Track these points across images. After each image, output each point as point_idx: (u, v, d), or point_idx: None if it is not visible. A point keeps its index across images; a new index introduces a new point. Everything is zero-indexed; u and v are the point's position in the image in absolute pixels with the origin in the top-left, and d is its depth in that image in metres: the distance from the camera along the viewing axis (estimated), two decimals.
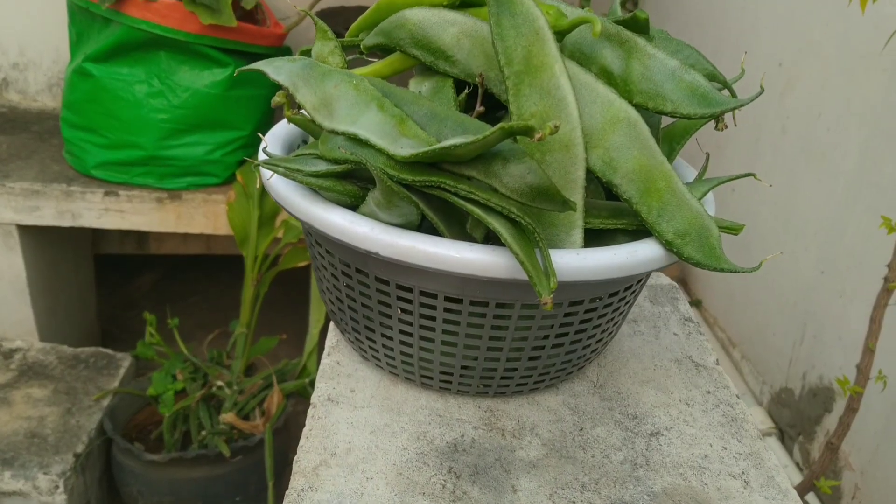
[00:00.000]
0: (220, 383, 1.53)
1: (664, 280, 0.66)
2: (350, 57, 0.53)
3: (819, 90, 1.37)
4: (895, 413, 1.19)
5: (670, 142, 0.50)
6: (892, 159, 1.17)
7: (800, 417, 1.45)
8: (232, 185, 1.55)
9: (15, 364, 1.57)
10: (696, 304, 1.83)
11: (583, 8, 0.45)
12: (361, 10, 1.84)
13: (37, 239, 1.64)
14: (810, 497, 1.33)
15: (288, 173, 0.40)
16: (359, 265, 0.45)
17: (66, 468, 1.32)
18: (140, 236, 2.11)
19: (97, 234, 2.03)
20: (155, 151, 1.51)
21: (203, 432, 1.44)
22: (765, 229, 1.55)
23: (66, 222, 1.57)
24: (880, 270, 1.12)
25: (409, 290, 0.44)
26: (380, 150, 0.39)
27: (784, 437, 1.51)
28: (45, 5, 1.82)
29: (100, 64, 1.48)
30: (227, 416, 1.45)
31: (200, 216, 1.59)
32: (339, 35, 1.51)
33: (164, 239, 2.11)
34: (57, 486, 1.30)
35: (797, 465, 1.44)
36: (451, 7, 0.45)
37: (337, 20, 1.69)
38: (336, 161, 0.40)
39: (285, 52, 1.59)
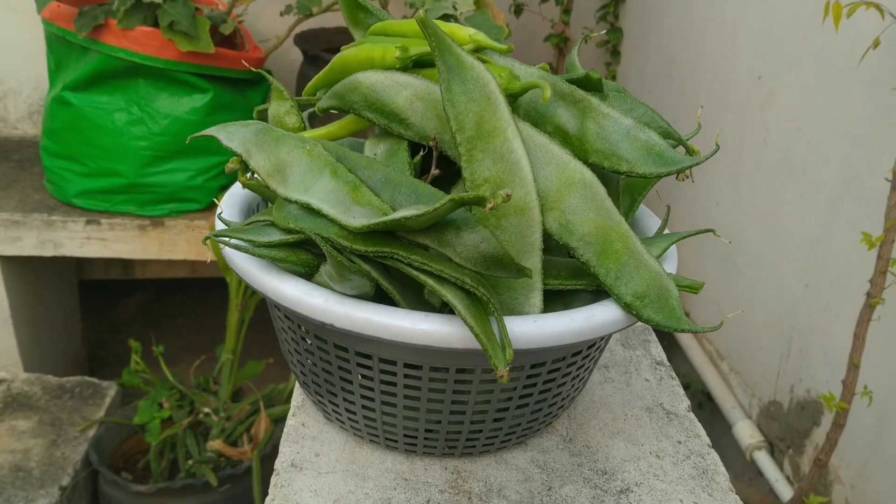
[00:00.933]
0: (206, 410, 1.52)
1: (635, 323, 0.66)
2: (310, 110, 0.53)
3: (799, 104, 1.37)
4: (883, 427, 1.19)
5: (632, 193, 0.49)
6: (871, 172, 1.17)
7: (789, 430, 1.45)
8: (214, 211, 1.54)
9: None
10: None
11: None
12: (341, 31, 1.84)
13: (19, 268, 1.63)
14: None
15: (241, 245, 0.40)
16: (317, 332, 0.44)
17: (51, 502, 1.30)
18: (125, 262, 2.10)
19: (81, 261, 2.02)
20: (136, 179, 1.50)
21: (190, 461, 1.43)
22: (749, 243, 1.55)
23: (47, 252, 1.56)
24: (863, 285, 1.12)
25: (369, 357, 0.43)
26: (332, 220, 0.38)
27: (774, 450, 1.51)
28: (24, 33, 1.81)
29: (79, 92, 1.47)
30: (215, 444, 1.44)
31: (183, 242, 1.58)
32: (319, 58, 1.51)
33: (149, 264, 2.10)
34: None
35: (787, 478, 1.44)
36: (404, 70, 0.44)
37: (317, 42, 1.68)
38: (289, 230, 0.40)
39: (263, 76, 1.58)
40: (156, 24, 1.40)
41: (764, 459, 1.48)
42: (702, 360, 1.72)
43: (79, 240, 1.56)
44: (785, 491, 1.39)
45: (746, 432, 1.52)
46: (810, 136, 1.35)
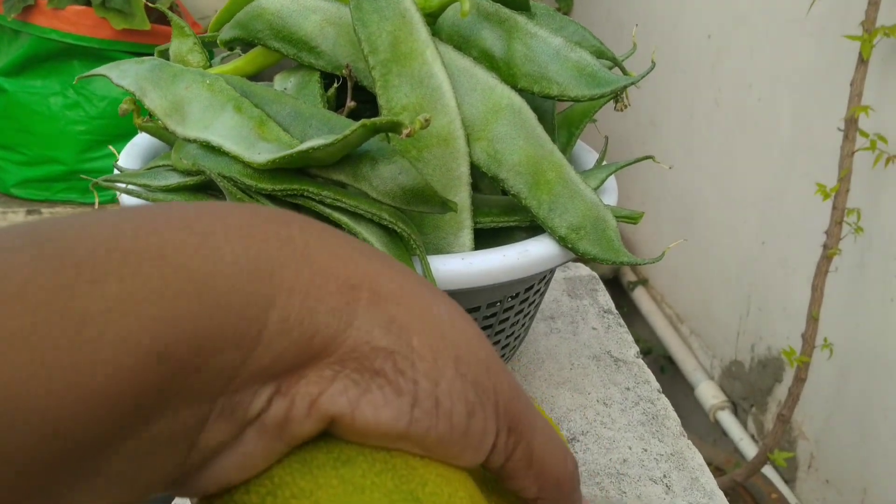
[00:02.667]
0: None
1: (583, 271, 0.63)
2: (224, 55, 0.49)
3: (748, 60, 1.36)
4: (845, 380, 1.19)
5: (569, 126, 0.46)
6: (822, 124, 1.16)
7: (751, 389, 1.45)
8: None
9: None
10: (642, 282, 1.81)
11: None
12: None
13: None
14: (767, 470, 1.32)
15: (135, 190, 0.36)
16: None
17: None
18: None
19: None
20: (76, 165, 1.45)
21: None
22: (704, 203, 1.54)
23: None
24: (819, 238, 1.11)
25: None
26: (235, 157, 0.35)
27: (737, 409, 1.50)
28: None
29: (11, 78, 1.41)
30: None
31: None
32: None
33: None
34: None
35: (752, 437, 1.43)
36: None
37: None
38: (188, 172, 0.36)
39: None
40: (88, 3, 1.34)
41: (728, 419, 1.47)
42: (662, 324, 1.71)
43: None
44: (750, 449, 1.38)
45: (709, 393, 1.52)
46: (761, 91, 1.33)
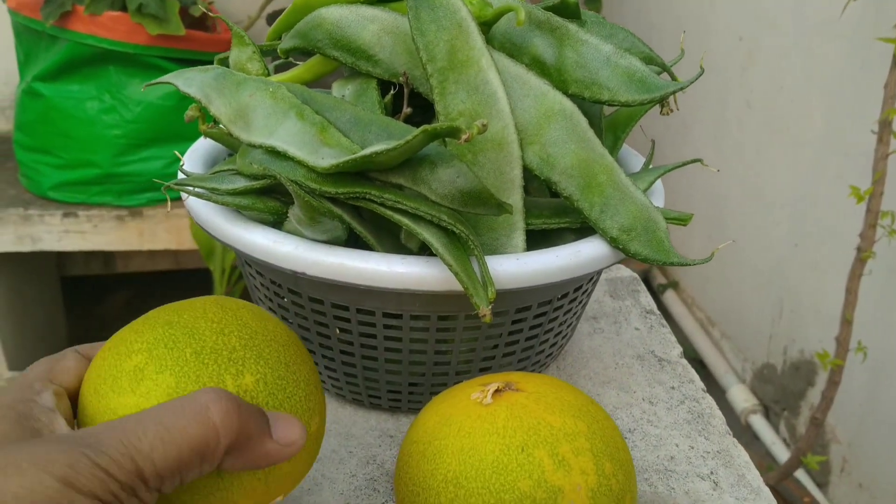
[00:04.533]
0: None
1: (624, 272, 0.64)
2: (277, 62, 0.50)
3: (780, 62, 1.36)
4: (878, 383, 1.18)
5: (615, 130, 0.47)
6: (854, 126, 1.16)
7: (783, 393, 1.44)
8: None
9: None
10: (672, 285, 1.81)
11: None
12: None
13: None
14: (799, 473, 1.32)
15: (203, 193, 0.38)
16: (290, 285, 0.42)
17: None
18: (106, 256, 2.07)
19: (62, 257, 1.99)
20: (111, 168, 1.47)
21: None
22: (736, 204, 1.53)
23: (25, 247, 1.53)
24: (852, 240, 1.10)
25: (346, 309, 0.41)
26: (299, 162, 0.36)
27: (769, 413, 1.50)
28: None
29: (49, 83, 1.44)
30: None
31: (163, 232, 1.56)
32: None
33: (130, 257, 2.07)
34: None
35: (784, 440, 1.43)
36: (370, 3, 0.42)
37: None
38: (255, 177, 0.38)
39: None
40: (124, 9, 1.37)
41: (759, 423, 1.47)
42: (693, 327, 1.71)
43: (57, 233, 1.53)
44: (781, 453, 1.38)
45: (741, 397, 1.51)
46: (793, 93, 1.33)
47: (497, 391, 0.34)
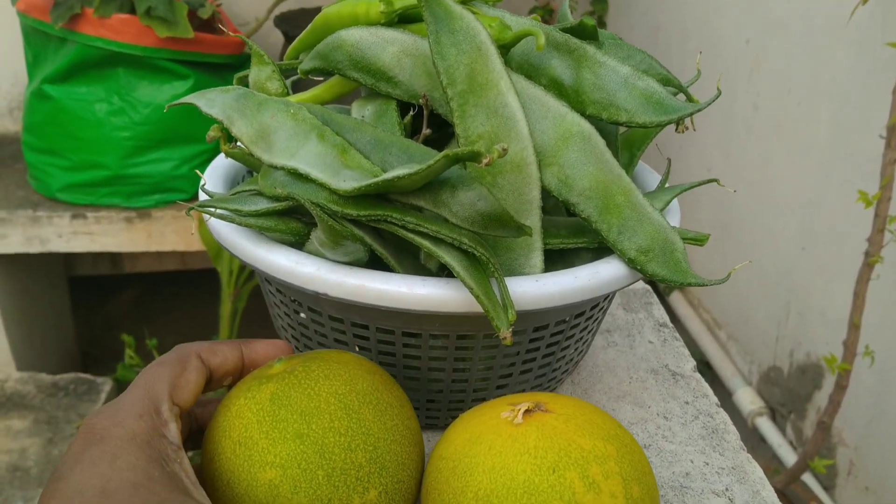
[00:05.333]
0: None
1: (637, 285, 0.64)
2: (293, 77, 0.51)
3: (787, 65, 1.36)
4: (886, 387, 1.18)
5: (630, 148, 0.48)
6: (862, 131, 1.16)
7: (790, 396, 1.44)
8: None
9: None
10: (678, 287, 1.82)
11: (530, 14, 0.43)
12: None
13: (6, 267, 1.60)
14: (806, 477, 1.32)
15: (227, 216, 0.38)
16: (310, 304, 0.43)
17: None
18: (113, 257, 2.07)
19: (69, 257, 1.99)
20: (120, 170, 1.48)
21: (190, 453, 1.41)
22: (743, 208, 1.54)
23: (34, 248, 1.54)
24: (860, 244, 1.11)
25: (366, 328, 0.42)
26: (321, 185, 0.37)
27: (776, 415, 1.50)
28: (0, 28, 1.78)
29: (58, 85, 1.44)
30: None
31: (172, 233, 1.56)
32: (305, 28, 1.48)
33: (137, 258, 2.08)
34: None
35: (790, 443, 1.43)
36: (390, 24, 0.42)
37: (297, 23, 1.66)
38: (277, 198, 0.38)
39: (245, 59, 1.56)
40: (133, 11, 1.37)
41: (766, 426, 1.47)
42: (699, 329, 1.71)
43: (65, 235, 1.53)
44: (788, 456, 1.38)
45: (747, 399, 1.52)
46: (800, 97, 1.33)
47: (527, 411, 0.35)
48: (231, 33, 0.48)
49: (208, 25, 1.51)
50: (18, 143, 1.77)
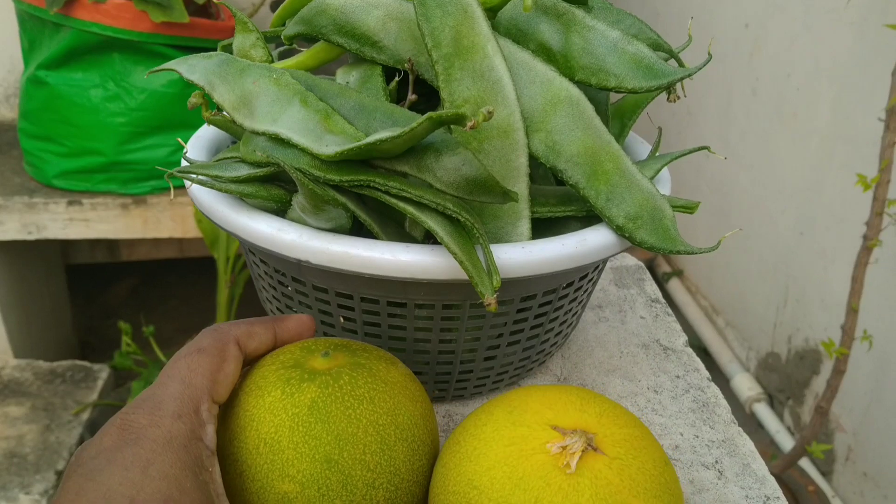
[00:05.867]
0: None
1: (629, 261, 0.64)
2: (281, 48, 0.50)
3: (787, 49, 1.35)
4: (884, 372, 1.18)
5: (621, 118, 0.47)
6: (862, 114, 1.15)
7: (788, 381, 1.44)
8: None
9: None
10: (677, 273, 1.81)
11: None
12: None
13: (2, 254, 1.60)
14: (804, 462, 1.32)
15: (206, 181, 0.37)
16: (294, 274, 0.42)
17: (48, 486, 1.29)
18: (110, 244, 2.07)
19: (66, 245, 1.99)
20: (115, 157, 1.47)
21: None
22: (741, 192, 1.53)
23: (31, 235, 1.53)
24: (858, 229, 1.10)
25: (350, 297, 0.41)
26: (303, 150, 0.36)
27: (773, 401, 1.50)
28: None
29: (53, 71, 1.44)
30: None
31: (168, 220, 1.56)
32: None
33: (135, 245, 2.07)
34: None
35: (788, 429, 1.43)
36: None
37: None
38: (258, 164, 0.38)
39: None
40: None
41: (764, 411, 1.47)
42: (697, 315, 1.71)
43: (61, 221, 1.53)
44: (786, 442, 1.38)
45: (745, 385, 1.51)
46: (800, 81, 1.32)
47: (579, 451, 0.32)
48: (229, 7, 0.47)
49: (204, 10, 1.50)
50: (14, 130, 1.77)
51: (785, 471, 1.23)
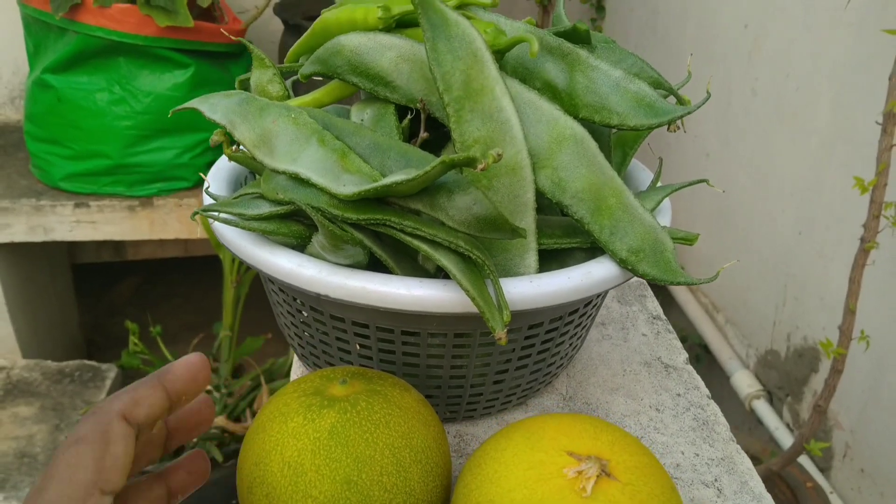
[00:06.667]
0: (208, 387, 1.52)
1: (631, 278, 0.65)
2: (293, 78, 0.52)
3: (786, 50, 1.36)
4: (881, 371, 1.20)
5: (623, 147, 0.49)
6: (862, 115, 1.16)
7: (787, 379, 1.46)
8: (203, 188, 1.53)
9: None
10: None
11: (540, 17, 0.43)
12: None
13: (10, 255, 1.62)
14: (802, 458, 1.34)
15: (230, 220, 0.39)
16: (312, 304, 0.44)
17: None
18: (116, 244, 2.09)
19: (73, 245, 2.01)
20: (121, 159, 1.49)
21: (195, 438, 1.43)
22: (741, 192, 1.54)
23: (38, 237, 1.55)
24: (857, 229, 1.11)
25: (366, 327, 0.43)
26: (322, 189, 0.38)
27: (773, 398, 1.52)
28: (0, 16, 1.78)
29: (59, 74, 1.45)
30: (218, 420, 1.45)
31: (174, 221, 1.57)
32: (299, 27, 1.48)
33: (140, 245, 2.09)
34: None
35: (787, 426, 1.45)
36: (388, 30, 0.43)
37: (297, 10, 1.66)
38: (279, 202, 0.39)
39: (245, 46, 1.57)
40: (133, 1, 1.38)
41: (763, 408, 1.49)
42: (698, 313, 1.72)
43: (68, 223, 1.54)
44: (785, 438, 1.40)
45: (745, 382, 1.53)
46: (799, 81, 1.34)
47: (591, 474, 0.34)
48: (246, 44, 0.48)
49: (208, 14, 1.51)
50: (20, 131, 1.78)
51: (784, 468, 1.25)
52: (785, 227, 1.41)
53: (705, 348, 1.68)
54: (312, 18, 1.49)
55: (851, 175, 1.11)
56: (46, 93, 1.46)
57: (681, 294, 1.79)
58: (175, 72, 1.46)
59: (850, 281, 1.11)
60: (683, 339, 1.73)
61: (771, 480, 1.33)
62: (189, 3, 1.40)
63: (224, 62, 1.51)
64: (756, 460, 1.35)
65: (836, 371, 1.15)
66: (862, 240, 1.10)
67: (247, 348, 1.59)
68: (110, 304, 2.15)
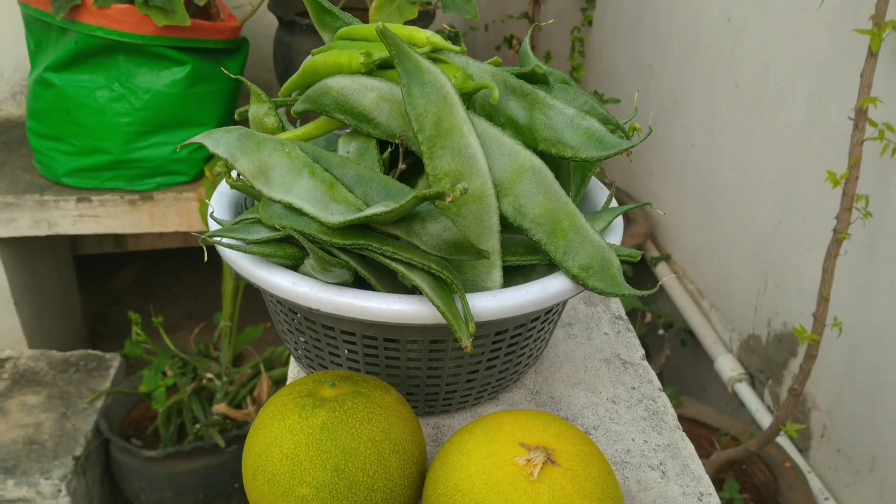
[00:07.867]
0: (209, 375, 1.57)
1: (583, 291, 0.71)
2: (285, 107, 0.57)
3: (767, 44, 1.40)
4: (855, 356, 1.24)
5: (582, 170, 0.54)
6: (836, 109, 1.20)
7: (767, 362, 1.51)
8: (201, 182, 1.58)
9: (7, 373, 1.60)
10: (665, 258, 1.88)
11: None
12: None
13: (15, 249, 1.66)
14: (782, 439, 1.39)
15: (234, 244, 0.45)
16: (306, 315, 0.50)
17: (66, 472, 1.35)
18: (117, 236, 2.13)
19: (75, 237, 2.05)
20: (122, 155, 1.53)
21: (197, 424, 1.48)
22: (725, 182, 1.59)
23: (42, 231, 1.60)
24: (831, 221, 1.15)
25: (353, 334, 0.49)
26: (312, 218, 0.43)
27: (754, 381, 1.57)
28: (1, 14, 1.81)
29: (60, 73, 1.48)
30: (220, 407, 1.50)
31: (174, 215, 1.62)
32: (294, 23, 1.51)
33: (141, 236, 2.13)
34: (59, 490, 1.34)
35: (768, 408, 1.50)
36: (370, 73, 0.49)
37: (291, 6, 1.70)
38: (274, 227, 0.45)
39: (241, 43, 1.61)
40: (131, 1, 1.41)
41: (745, 391, 1.54)
42: (683, 299, 1.77)
43: (72, 218, 1.59)
44: (766, 420, 1.44)
45: (728, 366, 1.58)
46: (778, 75, 1.37)
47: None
48: (247, 83, 0.54)
49: (204, 12, 1.55)
50: (22, 127, 1.82)
51: (762, 448, 1.31)
52: (765, 217, 1.45)
53: (691, 333, 1.73)
54: (305, 14, 1.52)
55: (826, 168, 1.16)
56: (48, 91, 1.49)
57: (668, 281, 1.84)
58: (173, 69, 1.49)
59: (824, 270, 1.16)
60: (669, 325, 1.79)
61: (751, 460, 1.39)
62: (185, 2, 1.44)
63: (220, 58, 1.55)
64: (737, 441, 1.41)
65: (811, 356, 1.20)
66: (835, 231, 1.14)
67: (246, 337, 1.65)
68: (112, 293, 2.20)
